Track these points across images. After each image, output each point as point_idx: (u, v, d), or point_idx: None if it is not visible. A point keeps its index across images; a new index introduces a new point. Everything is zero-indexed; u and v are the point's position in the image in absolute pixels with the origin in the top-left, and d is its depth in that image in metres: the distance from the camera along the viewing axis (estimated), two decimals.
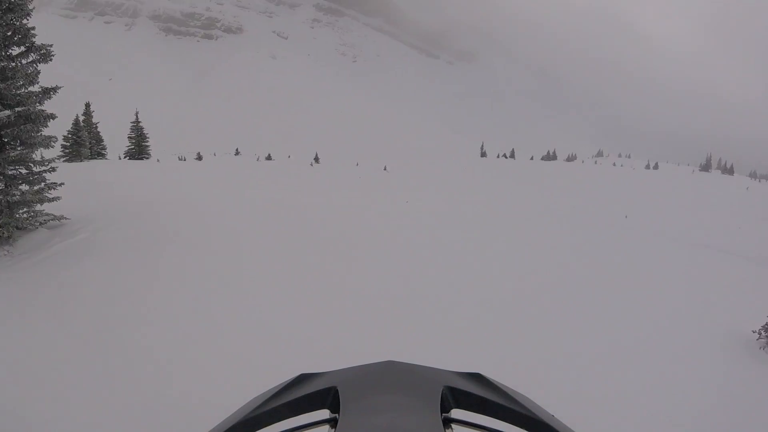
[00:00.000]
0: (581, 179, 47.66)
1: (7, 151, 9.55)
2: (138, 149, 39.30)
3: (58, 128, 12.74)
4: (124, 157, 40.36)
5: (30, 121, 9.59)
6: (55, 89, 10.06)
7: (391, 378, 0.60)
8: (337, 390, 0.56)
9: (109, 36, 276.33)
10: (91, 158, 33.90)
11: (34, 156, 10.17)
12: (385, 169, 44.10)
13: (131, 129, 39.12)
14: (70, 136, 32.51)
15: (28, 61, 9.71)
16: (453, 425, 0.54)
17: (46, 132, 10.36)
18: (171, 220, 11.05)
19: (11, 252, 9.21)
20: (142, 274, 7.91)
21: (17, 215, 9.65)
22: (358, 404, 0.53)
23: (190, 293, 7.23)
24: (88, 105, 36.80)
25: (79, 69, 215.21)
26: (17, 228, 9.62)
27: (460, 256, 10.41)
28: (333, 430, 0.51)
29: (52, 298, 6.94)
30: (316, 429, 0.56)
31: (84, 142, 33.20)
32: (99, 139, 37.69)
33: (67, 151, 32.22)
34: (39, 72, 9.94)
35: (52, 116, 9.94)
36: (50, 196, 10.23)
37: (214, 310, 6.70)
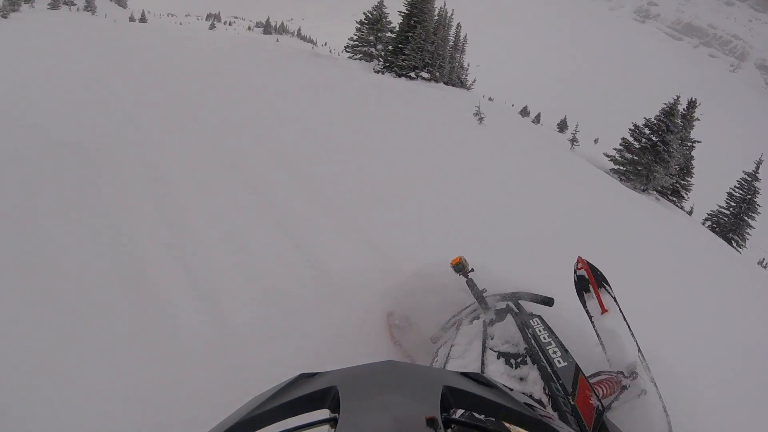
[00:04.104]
0: None
1: None
2: None
3: None
4: None
5: None
6: None
7: (391, 378, 0.59)
8: (337, 390, 0.55)
9: (708, 69, 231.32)
10: None
11: None
12: None
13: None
14: None
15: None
16: (453, 425, 0.53)
17: None
18: None
19: None
20: None
21: None
22: (358, 404, 0.53)
23: None
24: None
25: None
26: None
27: None
28: (333, 430, 0.50)
29: None
30: (316, 429, 0.55)
31: None
32: None
33: None
34: None
35: None
36: None
37: None
